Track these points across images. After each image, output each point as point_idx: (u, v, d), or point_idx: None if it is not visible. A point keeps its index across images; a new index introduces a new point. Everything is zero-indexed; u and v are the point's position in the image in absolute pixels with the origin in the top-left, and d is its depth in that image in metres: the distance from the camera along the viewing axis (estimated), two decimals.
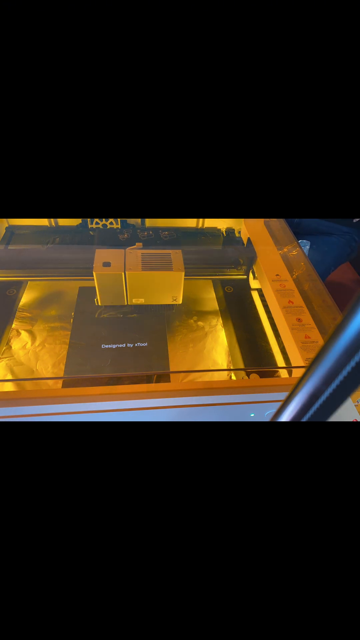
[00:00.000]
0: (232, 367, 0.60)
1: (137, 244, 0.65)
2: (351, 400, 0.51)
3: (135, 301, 0.63)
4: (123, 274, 0.59)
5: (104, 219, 0.80)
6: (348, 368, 0.15)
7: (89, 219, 0.80)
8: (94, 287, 0.61)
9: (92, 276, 0.59)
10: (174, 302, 0.64)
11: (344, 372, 0.15)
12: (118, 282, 0.60)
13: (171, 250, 0.64)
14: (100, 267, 0.59)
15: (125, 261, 0.60)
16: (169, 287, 0.62)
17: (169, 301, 0.64)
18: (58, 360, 0.61)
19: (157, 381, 0.52)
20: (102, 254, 0.61)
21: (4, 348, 0.61)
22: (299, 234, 1.13)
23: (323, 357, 0.15)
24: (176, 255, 0.63)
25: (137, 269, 0.59)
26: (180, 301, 0.65)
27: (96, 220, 0.80)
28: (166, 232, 0.82)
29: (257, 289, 0.72)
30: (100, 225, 0.80)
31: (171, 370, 0.58)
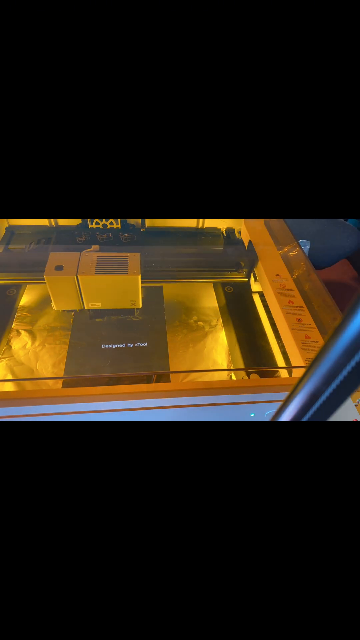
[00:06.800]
0: (232, 367, 0.60)
1: (93, 246, 0.62)
2: (351, 400, 0.51)
3: (91, 305, 0.61)
4: (75, 277, 0.57)
5: (104, 219, 0.80)
6: (348, 368, 0.15)
7: (89, 219, 0.80)
8: None
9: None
10: (133, 307, 0.62)
11: (344, 372, 0.15)
12: (71, 286, 0.58)
13: (129, 253, 0.62)
14: (52, 270, 0.57)
15: (79, 265, 0.58)
16: (125, 291, 0.60)
17: (127, 305, 0.62)
18: (58, 360, 0.61)
19: (157, 381, 0.52)
20: (56, 257, 0.59)
21: (4, 348, 0.61)
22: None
23: (323, 357, 0.15)
24: (133, 258, 0.60)
25: (90, 272, 0.57)
26: (139, 305, 0.62)
27: (96, 220, 0.80)
28: (126, 235, 0.78)
29: (258, 292, 0.72)
30: (100, 225, 0.80)
31: (171, 370, 0.58)
